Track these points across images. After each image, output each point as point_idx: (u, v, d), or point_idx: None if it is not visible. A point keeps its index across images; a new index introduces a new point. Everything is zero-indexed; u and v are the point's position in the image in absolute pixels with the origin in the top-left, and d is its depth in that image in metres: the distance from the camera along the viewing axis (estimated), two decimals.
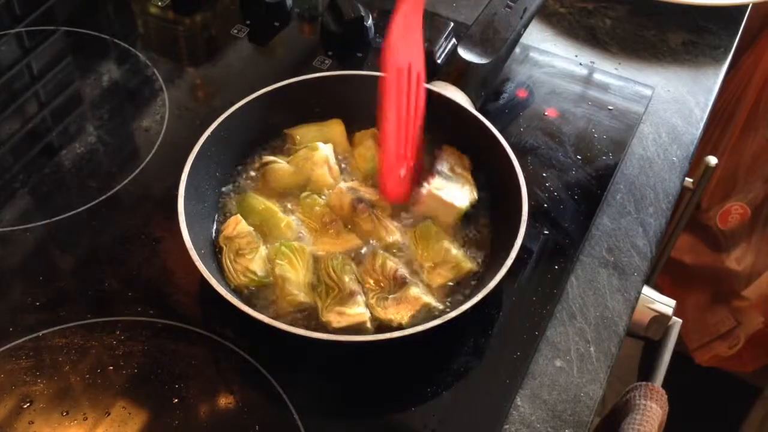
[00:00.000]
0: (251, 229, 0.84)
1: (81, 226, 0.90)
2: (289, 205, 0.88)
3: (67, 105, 1.03)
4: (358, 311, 0.78)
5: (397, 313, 0.78)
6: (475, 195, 0.87)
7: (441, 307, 0.79)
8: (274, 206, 0.86)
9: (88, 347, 0.79)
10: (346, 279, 0.79)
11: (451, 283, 0.81)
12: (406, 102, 0.84)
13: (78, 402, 0.76)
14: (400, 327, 0.77)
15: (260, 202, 0.86)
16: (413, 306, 0.78)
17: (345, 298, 0.79)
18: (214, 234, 0.85)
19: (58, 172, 0.95)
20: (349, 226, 0.85)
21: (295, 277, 0.80)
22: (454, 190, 0.86)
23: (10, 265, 0.86)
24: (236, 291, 0.80)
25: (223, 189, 0.89)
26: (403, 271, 0.81)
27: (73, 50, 1.10)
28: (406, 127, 0.85)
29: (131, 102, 1.03)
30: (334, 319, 0.77)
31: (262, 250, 0.82)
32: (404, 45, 0.83)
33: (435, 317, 0.75)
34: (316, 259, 0.82)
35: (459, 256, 0.82)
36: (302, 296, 0.79)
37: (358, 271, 0.81)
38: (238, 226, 0.83)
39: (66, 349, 0.79)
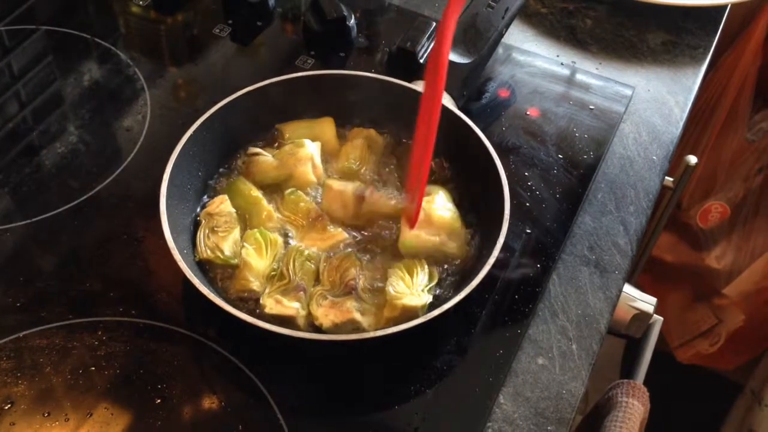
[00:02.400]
0: (233, 211, 0.85)
1: (62, 226, 0.89)
2: (273, 199, 0.88)
3: (48, 105, 1.02)
4: (292, 305, 0.78)
5: (325, 315, 0.78)
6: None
7: (368, 327, 0.78)
8: (260, 195, 0.87)
9: (69, 348, 0.79)
10: (299, 275, 0.80)
11: (392, 324, 0.77)
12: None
13: (60, 403, 0.75)
14: (320, 329, 0.78)
15: (248, 188, 0.87)
16: (342, 316, 0.78)
17: (289, 290, 0.80)
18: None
19: (39, 172, 0.94)
20: (361, 221, 0.86)
21: (257, 265, 0.81)
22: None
23: None
24: (200, 263, 0.81)
25: (209, 181, 0.89)
26: (358, 282, 0.80)
27: (53, 50, 1.09)
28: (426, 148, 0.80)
29: (112, 102, 1.02)
30: (270, 304, 0.78)
31: (236, 233, 0.83)
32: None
33: (358, 331, 0.77)
34: (292, 250, 0.83)
35: (401, 295, 0.79)
36: (255, 284, 0.80)
37: (322, 268, 0.82)
38: (221, 204, 0.85)
39: (47, 350, 0.79)
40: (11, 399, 0.75)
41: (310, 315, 0.79)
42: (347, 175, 0.90)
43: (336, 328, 0.78)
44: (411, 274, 0.80)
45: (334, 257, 0.82)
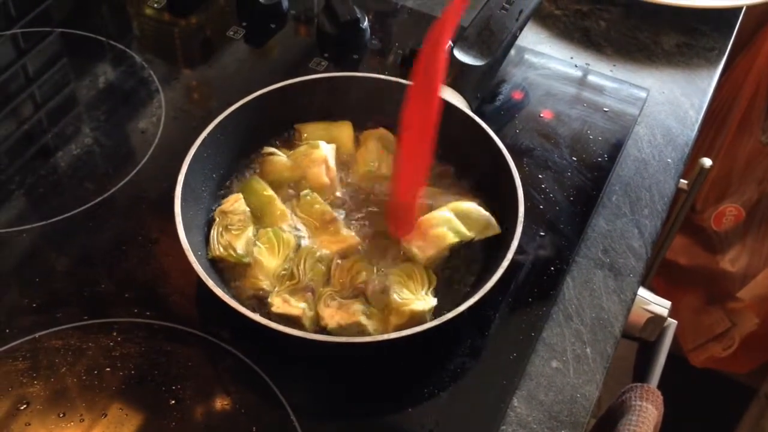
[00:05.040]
0: (247, 209, 0.85)
1: (77, 227, 0.89)
2: (289, 199, 0.88)
3: (63, 107, 1.03)
4: (299, 306, 0.78)
5: (332, 316, 0.78)
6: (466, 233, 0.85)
7: (373, 331, 0.78)
8: (273, 194, 0.87)
9: (84, 349, 0.79)
10: (309, 275, 0.81)
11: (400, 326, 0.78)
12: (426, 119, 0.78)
13: (74, 403, 0.76)
14: (325, 330, 0.78)
15: (263, 187, 0.88)
16: (348, 317, 0.78)
17: (297, 290, 0.80)
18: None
19: (54, 174, 0.95)
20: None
21: (268, 264, 0.81)
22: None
23: (5, 267, 0.86)
24: (213, 261, 0.82)
25: (224, 183, 0.89)
26: (367, 286, 0.80)
27: (68, 52, 1.09)
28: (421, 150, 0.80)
29: (127, 104, 1.03)
30: (278, 303, 0.78)
31: (250, 231, 0.83)
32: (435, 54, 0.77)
33: (363, 335, 0.77)
34: (304, 251, 0.83)
35: (407, 301, 0.79)
36: (266, 284, 0.80)
37: (334, 269, 0.82)
38: (236, 203, 0.85)
39: (62, 351, 0.79)
40: (26, 399, 0.76)
41: (317, 316, 0.79)
42: (369, 180, 0.90)
43: (341, 330, 0.78)
44: (411, 279, 0.81)
45: (348, 260, 0.83)
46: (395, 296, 0.79)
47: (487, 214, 0.85)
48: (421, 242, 0.82)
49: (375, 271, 0.82)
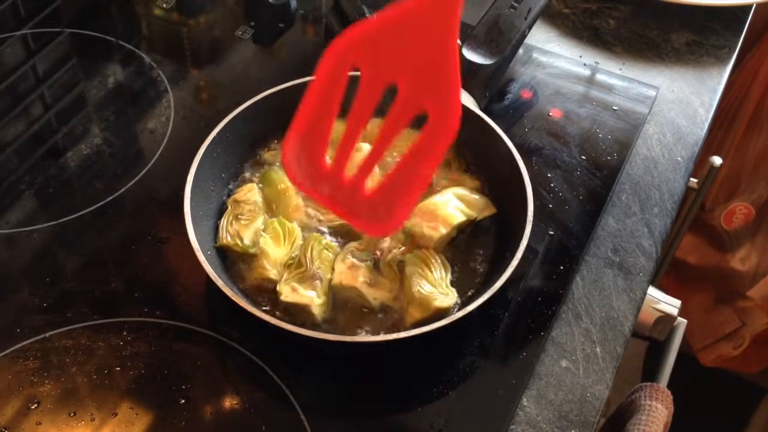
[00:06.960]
0: (259, 199, 0.86)
1: (87, 227, 0.90)
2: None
3: (72, 107, 1.03)
4: (308, 294, 0.79)
5: (341, 272, 0.80)
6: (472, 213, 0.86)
7: (373, 300, 0.80)
8: (291, 186, 0.87)
9: (94, 348, 0.80)
10: (317, 263, 0.81)
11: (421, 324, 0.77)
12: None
13: (85, 403, 0.76)
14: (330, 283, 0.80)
15: (281, 179, 0.88)
16: (350, 280, 0.80)
17: (306, 278, 0.80)
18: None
19: (64, 174, 0.95)
20: None
21: (274, 254, 0.82)
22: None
23: (16, 266, 0.87)
24: (222, 258, 0.82)
25: (232, 182, 0.90)
26: (383, 253, 0.82)
27: (77, 52, 1.10)
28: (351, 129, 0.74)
29: (136, 104, 1.03)
30: (286, 292, 0.79)
31: (259, 222, 0.84)
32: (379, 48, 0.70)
33: (363, 300, 0.79)
34: (311, 238, 0.83)
35: (431, 295, 0.79)
36: (273, 273, 0.81)
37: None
38: (249, 192, 0.86)
39: (73, 350, 0.79)
40: (37, 399, 0.76)
41: (325, 304, 0.79)
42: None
43: (341, 289, 0.80)
44: (429, 269, 0.81)
45: None
46: (417, 288, 0.79)
47: (480, 196, 0.87)
48: (431, 222, 0.83)
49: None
